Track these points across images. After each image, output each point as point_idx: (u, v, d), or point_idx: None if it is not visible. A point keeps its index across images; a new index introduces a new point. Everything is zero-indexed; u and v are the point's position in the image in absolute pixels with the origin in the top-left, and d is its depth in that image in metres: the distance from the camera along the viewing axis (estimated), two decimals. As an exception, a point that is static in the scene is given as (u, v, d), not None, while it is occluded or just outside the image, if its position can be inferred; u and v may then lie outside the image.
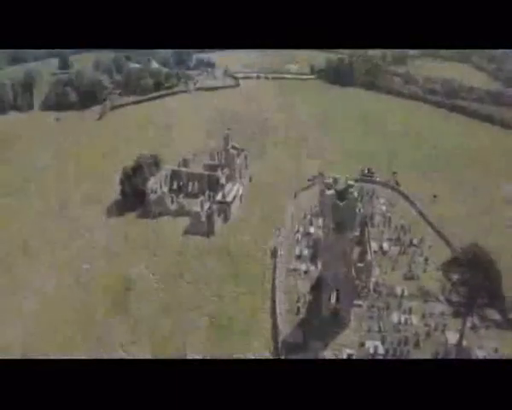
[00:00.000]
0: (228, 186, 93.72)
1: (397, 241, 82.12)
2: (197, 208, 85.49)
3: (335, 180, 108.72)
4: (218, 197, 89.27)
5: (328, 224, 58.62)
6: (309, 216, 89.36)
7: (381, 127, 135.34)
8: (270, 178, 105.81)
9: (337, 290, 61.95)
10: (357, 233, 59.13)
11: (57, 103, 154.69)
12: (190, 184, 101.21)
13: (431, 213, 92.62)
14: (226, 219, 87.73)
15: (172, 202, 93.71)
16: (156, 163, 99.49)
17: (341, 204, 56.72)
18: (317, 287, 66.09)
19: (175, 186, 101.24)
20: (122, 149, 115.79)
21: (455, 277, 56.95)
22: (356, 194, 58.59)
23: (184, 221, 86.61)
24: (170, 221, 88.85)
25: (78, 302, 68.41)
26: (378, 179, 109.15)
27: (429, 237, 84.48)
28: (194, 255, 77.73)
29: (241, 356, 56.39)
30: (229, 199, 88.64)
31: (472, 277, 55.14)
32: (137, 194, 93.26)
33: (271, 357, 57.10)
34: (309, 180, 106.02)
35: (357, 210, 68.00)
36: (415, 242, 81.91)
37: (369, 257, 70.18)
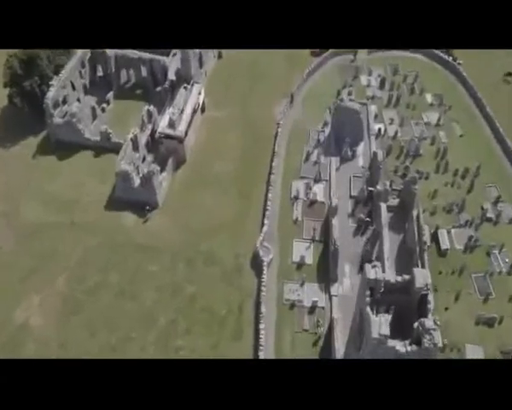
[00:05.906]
0: (181, 92, 56.37)
1: (460, 210, 49.52)
2: (127, 166, 48.98)
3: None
4: (164, 124, 52.80)
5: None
6: (315, 153, 54.14)
7: None
8: (247, 55, 66.20)
9: None
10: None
11: None
12: (123, 75, 62.78)
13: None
14: (178, 166, 53.02)
15: (94, 116, 57.44)
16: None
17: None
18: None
19: (97, 77, 62.74)
20: None
21: None
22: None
23: (109, 168, 51.76)
24: (85, 158, 53.99)
25: None
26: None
27: (507, 194, 51.67)
28: (114, 262, 45.41)
29: None
30: (181, 128, 52.37)
31: None
32: (34, 109, 56.44)
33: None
34: (314, 53, 66.13)
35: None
36: (489, 212, 49.16)
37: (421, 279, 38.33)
